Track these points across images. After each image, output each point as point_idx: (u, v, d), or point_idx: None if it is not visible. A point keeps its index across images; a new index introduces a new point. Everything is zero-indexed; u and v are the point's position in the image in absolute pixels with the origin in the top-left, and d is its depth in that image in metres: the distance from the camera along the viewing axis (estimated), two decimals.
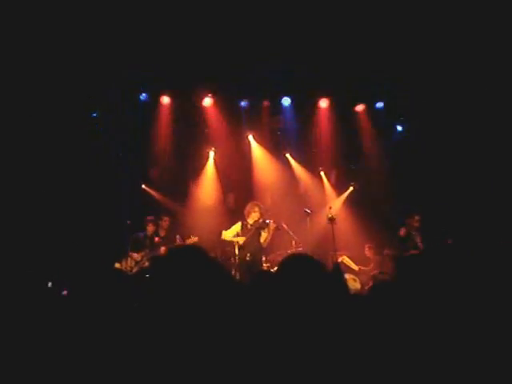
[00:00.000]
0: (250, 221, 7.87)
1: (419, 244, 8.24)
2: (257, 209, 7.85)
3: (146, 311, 1.76)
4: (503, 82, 8.21)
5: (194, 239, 8.06)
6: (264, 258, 8.18)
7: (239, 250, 7.81)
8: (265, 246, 7.90)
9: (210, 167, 10.18)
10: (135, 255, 8.18)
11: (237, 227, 7.93)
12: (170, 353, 1.58)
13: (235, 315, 1.74)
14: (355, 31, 7.94)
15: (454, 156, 9.09)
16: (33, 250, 7.45)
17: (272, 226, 7.80)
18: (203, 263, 1.82)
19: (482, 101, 8.53)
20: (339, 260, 9.07)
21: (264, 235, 7.84)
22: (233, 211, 9.51)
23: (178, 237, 8.32)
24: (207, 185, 10.17)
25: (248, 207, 7.94)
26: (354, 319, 1.99)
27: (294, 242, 8.62)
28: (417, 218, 8.31)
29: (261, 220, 7.86)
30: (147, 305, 1.78)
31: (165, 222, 8.78)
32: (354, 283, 8.53)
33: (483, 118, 8.64)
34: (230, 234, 7.90)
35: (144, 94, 9.34)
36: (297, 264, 1.99)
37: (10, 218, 7.68)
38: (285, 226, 8.49)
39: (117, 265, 7.94)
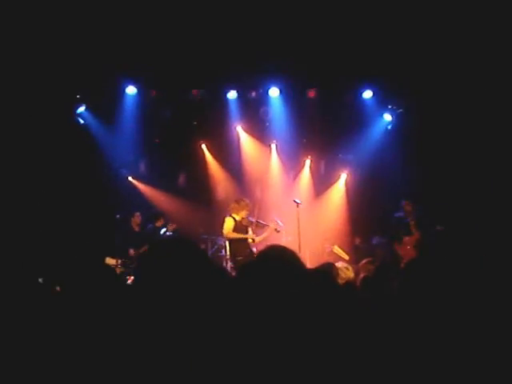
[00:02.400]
0: (238, 217, 7.87)
1: (412, 229, 8.38)
2: (247, 207, 7.89)
3: (134, 306, 1.75)
4: (496, 72, 8.20)
5: (173, 226, 8.16)
6: (255, 249, 8.22)
7: (238, 244, 7.79)
8: (254, 243, 7.99)
9: (209, 160, 10.16)
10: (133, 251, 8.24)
11: (230, 223, 7.84)
12: (159, 347, 1.57)
13: (225, 308, 1.73)
14: (343, 21, 7.91)
15: (444, 143, 9.10)
16: (21, 245, 7.38)
17: (272, 227, 8.01)
18: (191, 255, 1.81)
19: (471, 87, 8.52)
20: (330, 249, 9.12)
21: (251, 232, 7.95)
22: (223, 203, 9.48)
23: (165, 229, 8.35)
24: (204, 178, 10.13)
25: (237, 204, 7.91)
26: (336, 310, 1.99)
27: (284, 233, 8.67)
28: (410, 202, 8.48)
29: (253, 219, 7.98)
30: (135, 299, 1.77)
31: (137, 217, 8.76)
32: (346, 272, 8.50)
33: (474, 106, 8.61)
34: (229, 229, 7.83)
35: (132, 87, 9.24)
36: (271, 256, 1.98)
37: None
38: (276, 219, 8.54)
39: (110, 260, 7.88)
